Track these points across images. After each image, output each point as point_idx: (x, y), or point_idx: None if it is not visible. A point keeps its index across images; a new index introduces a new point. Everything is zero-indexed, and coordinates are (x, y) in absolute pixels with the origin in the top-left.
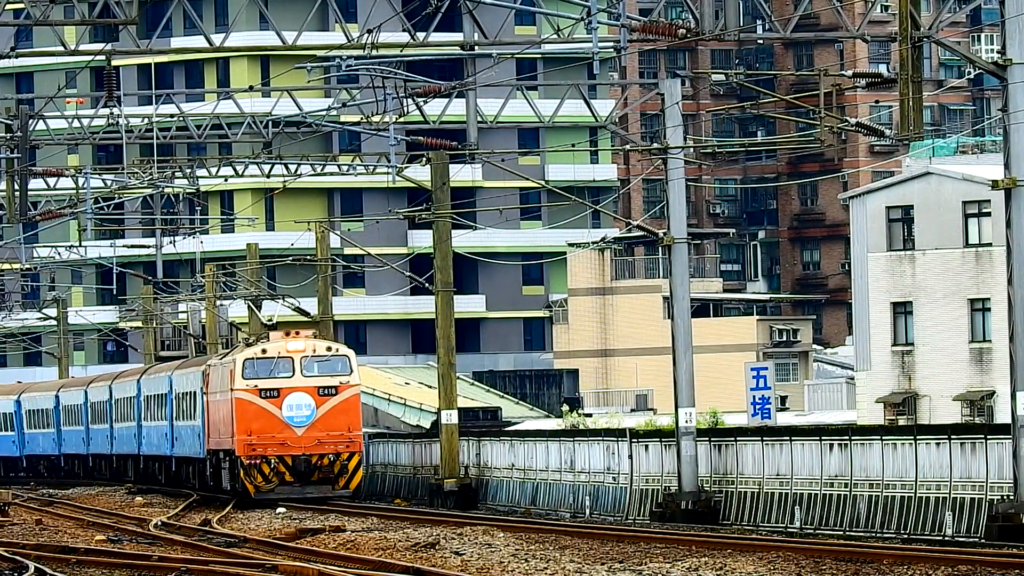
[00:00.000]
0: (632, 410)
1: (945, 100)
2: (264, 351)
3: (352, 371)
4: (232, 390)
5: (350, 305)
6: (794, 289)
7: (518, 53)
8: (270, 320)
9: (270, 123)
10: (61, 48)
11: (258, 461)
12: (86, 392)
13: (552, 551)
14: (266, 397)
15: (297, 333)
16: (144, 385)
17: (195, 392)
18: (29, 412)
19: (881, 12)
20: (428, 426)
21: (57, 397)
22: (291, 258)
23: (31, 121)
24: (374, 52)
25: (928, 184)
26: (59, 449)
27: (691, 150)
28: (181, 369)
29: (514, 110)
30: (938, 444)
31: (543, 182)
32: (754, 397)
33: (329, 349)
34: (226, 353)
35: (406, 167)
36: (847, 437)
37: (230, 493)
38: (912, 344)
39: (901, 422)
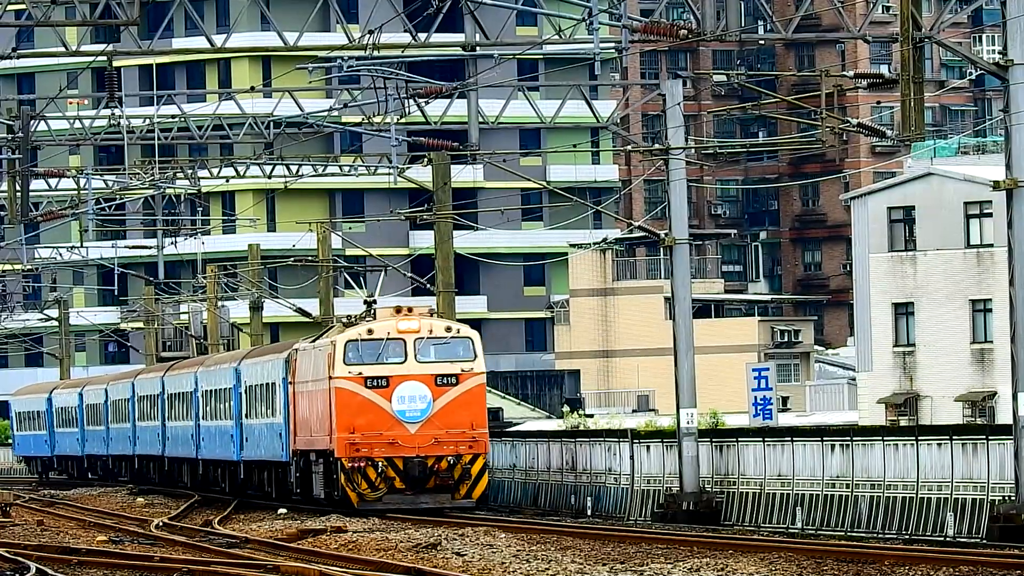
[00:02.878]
0: (633, 411)
1: (946, 101)
2: (371, 331)
3: (476, 356)
4: (330, 378)
5: (351, 306)
6: (795, 290)
7: (519, 54)
8: (371, 297)
9: (271, 124)
10: (62, 49)
11: (363, 464)
12: (133, 385)
13: (553, 552)
14: (373, 387)
15: (410, 310)
16: (203, 378)
17: (273, 384)
18: (89, 407)
19: (882, 13)
20: None
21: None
22: (292, 259)
23: (32, 122)
24: (375, 53)
25: (930, 185)
26: (107, 449)
27: (692, 151)
28: (254, 358)
29: (515, 111)
30: (939, 445)
31: (544, 183)
32: (755, 398)
33: (449, 330)
34: (318, 335)
35: (407, 168)
36: (848, 438)
37: (325, 502)
38: (913, 345)
39: (902, 423)
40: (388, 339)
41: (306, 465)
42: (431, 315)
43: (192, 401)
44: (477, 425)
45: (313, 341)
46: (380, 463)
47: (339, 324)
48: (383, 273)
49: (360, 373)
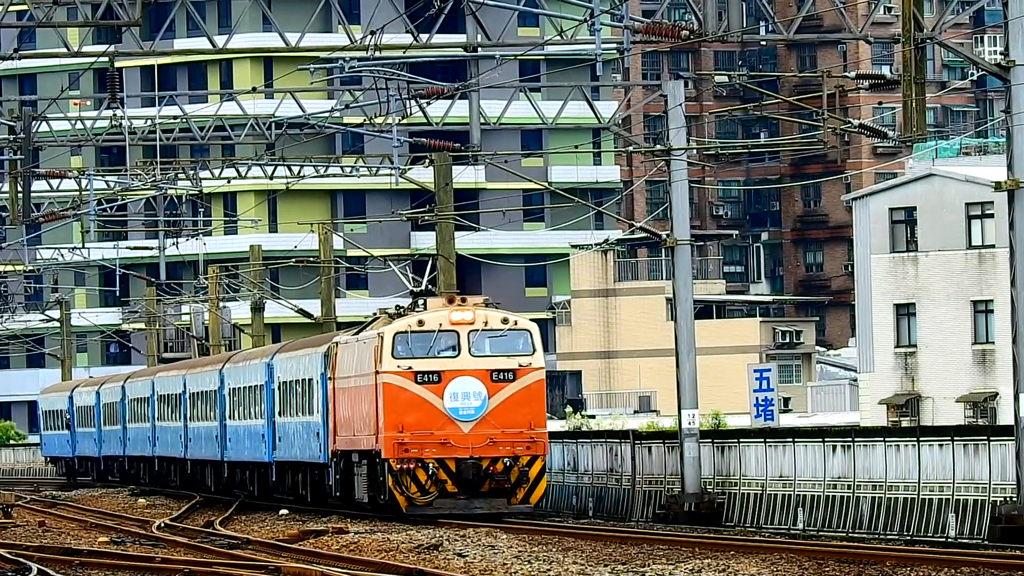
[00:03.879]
0: (635, 412)
1: (948, 102)
2: (421, 323)
3: (535, 350)
4: (377, 373)
5: (353, 307)
6: (797, 291)
7: (521, 55)
8: (418, 284)
9: (273, 125)
10: (64, 50)
11: (412, 466)
12: (152, 384)
13: (555, 553)
14: (423, 382)
15: (464, 300)
16: (230, 375)
17: (310, 380)
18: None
19: (884, 14)
20: None
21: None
22: (294, 260)
23: (34, 123)
24: (377, 54)
25: (931, 186)
26: (124, 450)
27: (694, 152)
28: (288, 352)
29: (517, 112)
30: (941, 446)
31: (546, 184)
32: (757, 399)
33: (505, 321)
34: (362, 327)
35: (409, 169)
36: (850, 439)
37: (368, 507)
38: (915, 346)
39: (904, 424)
40: (440, 331)
41: (347, 467)
42: (486, 305)
43: (217, 400)
44: (536, 424)
45: (356, 333)
46: (431, 465)
47: (384, 315)
48: (431, 263)
49: (410, 368)
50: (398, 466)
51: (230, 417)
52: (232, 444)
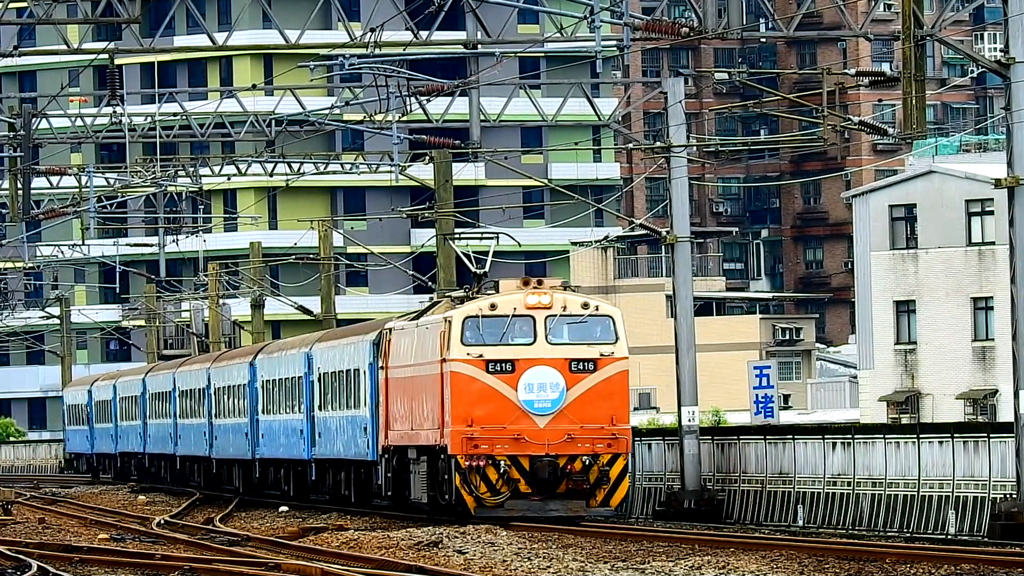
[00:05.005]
0: (635, 408)
1: (948, 99)
2: (494, 307)
3: (618, 338)
4: (443, 361)
5: (353, 304)
6: (797, 288)
7: (521, 52)
8: (480, 266)
9: (273, 122)
10: (64, 47)
11: (482, 463)
12: (173, 378)
13: (555, 550)
14: (495, 372)
15: (539, 283)
16: (262, 367)
17: (356, 370)
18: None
19: (884, 11)
20: None
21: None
22: (294, 257)
23: (34, 120)
24: (377, 51)
25: (931, 183)
26: (144, 447)
27: (694, 149)
28: (329, 341)
29: (517, 109)
30: (941, 443)
31: (546, 181)
32: (757, 396)
33: (586, 306)
34: (418, 313)
35: (409, 166)
36: (850, 436)
37: (427, 508)
38: (915, 343)
39: (904, 421)
40: (514, 316)
41: (401, 464)
42: (564, 288)
43: (248, 394)
44: (618, 420)
45: (415, 318)
46: (502, 462)
47: (447, 300)
48: (494, 241)
49: (481, 355)
50: (466, 463)
51: (263, 412)
52: (265, 441)
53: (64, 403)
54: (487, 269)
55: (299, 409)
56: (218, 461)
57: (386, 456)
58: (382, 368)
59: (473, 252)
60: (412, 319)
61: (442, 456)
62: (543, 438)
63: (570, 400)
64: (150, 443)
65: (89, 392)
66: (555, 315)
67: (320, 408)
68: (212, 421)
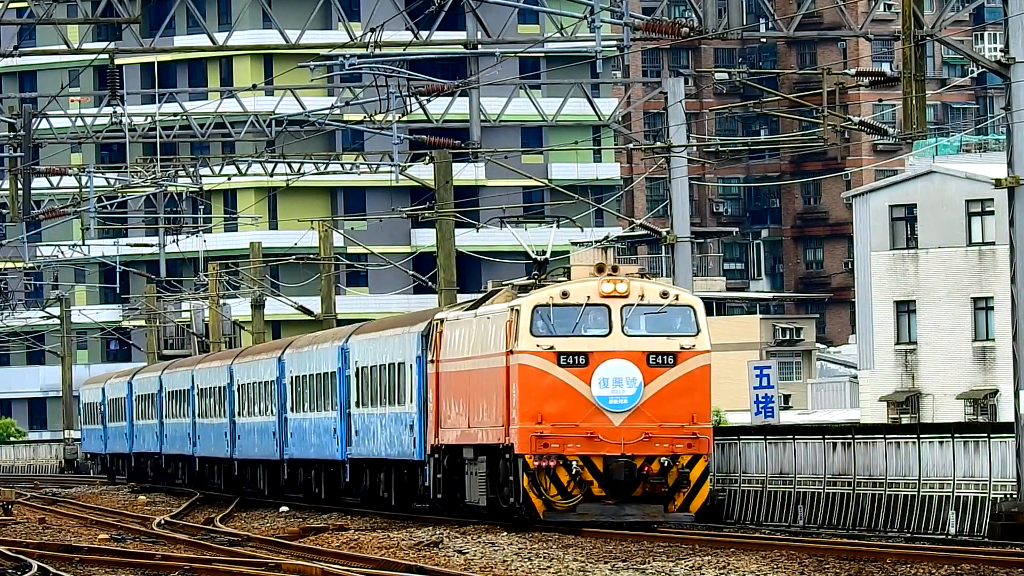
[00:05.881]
0: None
1: (948, 99)
2: (565, 294)
3: (699, 330)
4: (510, 353)
5: (353, 304)
6: (797, 288)
7: (521, 52)
8: (541, 252)
9: (273, 122)
10: (64, 47)
11: (552, 463)
12: (192, 375)
13: (555, 550)
14: (567, 365)
15: (615, 269)
16: (291, 363)
17: (401, 364)
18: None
19: (884, 11)
20: None
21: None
22: (294, 257)
23: (34, 120)
24: (377, 51)
25: (931, 183)
26: (161, 447)
27: (694, 149)
28: (368, 333)
29: (517, 109)
30: (941, 443)
31: (546, 181)
32: (757, 396)
33: (665, 295)
34: (477, 301)
35: (409, 166)
36: (850, 436)
37: (484, 511)
38: (915, 343)
39: (904, 421)
40: (588, 305)
41: (453, 464)
42: (641, 276)
43: (275, 391)
44: (699, 418)
45: (474, 307)
46: (574, 463)
47: (508, 288)
48: (555, 225)
49: (552, 347)
50: (535, 463)
51: (291, 410)
52: (294, 440)
53: (80, 401)
54: (548, 256)
55: (333, 406)
56: (240, 462)
57: (435, 456)
58: (432, 361)
59: (532, 246)
60: (468, 309)
61: (506, 456)
62: (618, 437)
63: (648, 396)
64: (167, 443)
65: (103, 390)
66: (632, 304)
67: (358, 405)
68: (235, 420)
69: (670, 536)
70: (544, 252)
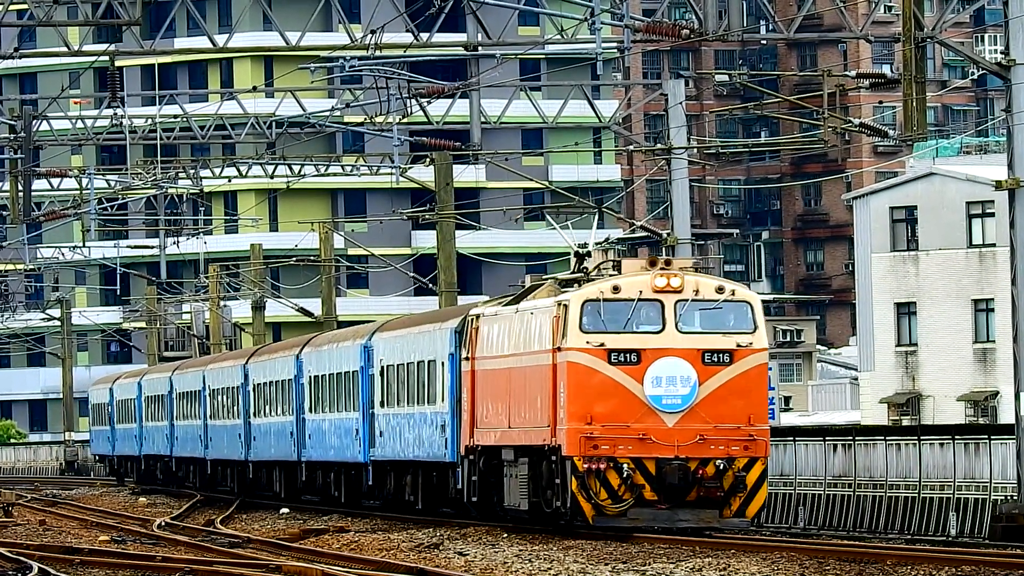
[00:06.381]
0: None
1: (949, 101)
2: (616, 289)
3: (756, 327)
4: (558, 350)
5: (354, 306)
6: (798, 290)
7: (521, 54)
8: (583, 246)
9: (274, 124)
10: (65, 49)
11: (603, 466)
12: (203, 376)
13: (556, 551)
14: (618, 363)
15: (668, 263)
16: (309, 362)
17: (432, 361)
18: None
19: (884, 13)
20: None
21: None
22: (295, 259)
23: (35, 122)
24: (377, 53)
25: (932, 185)
26: (171, 450)
27: (695, 151)
28: (394, 331)
29: (517, 111)
30: (942, 445)
31: (547, 183)
32: None
33: (721, 290)
34: (518, 296)
35: (410, 168)
36: (851, 437)
37: (526, 516)
38: (916, 345)
39: (905, 422)
40: (640, 300)
41: (490, 467)
42: (695, 270)
43: (292, 391)
44: (756, 419)
45: (511, 303)
46: (625, 465)
47: (551, 282)
48: (596, 215)
49: (602, 344)
50: (585, 466)
51: (310, 411)
52: (313, 442)
53: (89, 402)
54: (590, 248)
55: (355, 407)
56: (255, 464)
57: (471, 457)
58: (467, 359)
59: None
60: (506, 304)
61: (553, 458)
62: (672, 439)
63: (703, 396)
64: (178, 445)
65: (111, 390)
66: (686, 299)
67: (382, 405)
68: (250, 421)
69: (670, 538)
70: (585, 245)
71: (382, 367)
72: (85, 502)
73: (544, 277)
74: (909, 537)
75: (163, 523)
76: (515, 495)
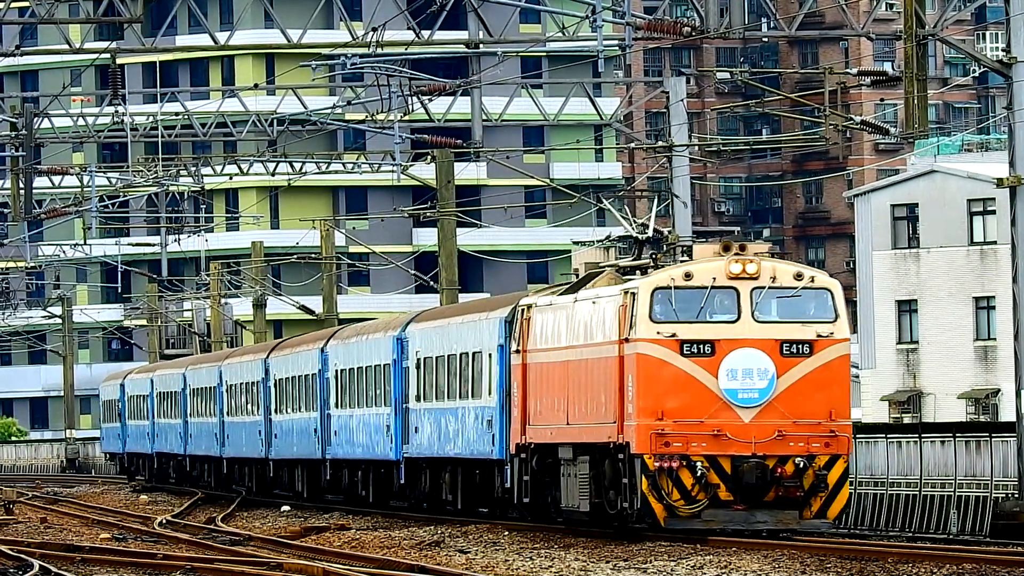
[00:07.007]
0: None
1: (950, 98)
2: (688, 275)
3: (837, 316)
4: (625, 341)
5: (355, 303)
6: None
7: (523, 51)
8: (642, 230)
9: (275, 121)
10: (66, 46)
11: (675, 464)
12: (220, 371)
13: (557, 549)
14: (691, 355)
15: (743, 248)
16: (335, 355)
17: (476, 353)
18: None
19: (886, 10)
20: None
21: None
22: (296, 256)
23: (36, 119)
24: (379, 50)
25: (933, 182)
26: (185, 448)
27: (696, 148)
28: (430, 321)
29: (519, 108)
30: (943, 442)
31: (548, 180)
32: None
33: (799, 277)
34: (574, 285)
35: (411, 165)
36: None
37: (585, 518)
38: (917, 342)
39: (906, 420)
40: (714, 287)
41: (544, 465)
42: (771, 255)
43: (317, 386)
44: (838, 414)
45: (567, 292)
46: (699, 464)
47: (610, 271)
48: (654, 202)
49: (674, 335)
50: (656, 464)
51: (336, 406)
52: (339, 439)
53: (100, 398)
54: (651, 234)
55: (385, 401)
56: (277, 463)
57: (522, 455)
58: (517, 352)
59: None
60: (561, 293)
61: (619, 456)
62: (749, 435)
63: (781, 390)
64: (192, 443)
65: (122, 386)
66: (763, 287)
67: (419, 399)
68: (271, 418)
69: (672, 535)
70: (646, 227)
71: (418, 359)
72: (86, 500)
73: (602, 264)
74: (910, 535)
75: (164, 521)
76: (573, 496)
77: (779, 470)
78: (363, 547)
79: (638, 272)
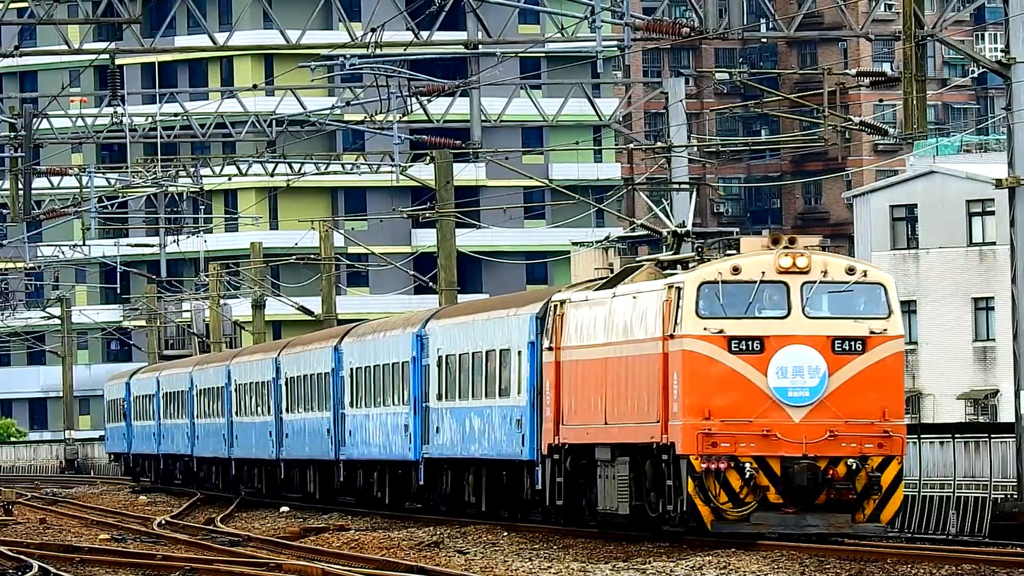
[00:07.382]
0: None
1: (949, 99)
2: (736, 269)
3: (891, 312)
4: (670, 338)
5: (354, 304)
6: None
7: (522, 52)
8: (681, 224)
9: (274, 122)
10: (65, 47)
11: (723, 465)
12: (228, 371)
13: (556, 550)
14: (739, 351)
15: (792, 241)
16: (350, 353)
17: (505, 351)
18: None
19: (885, 11)
20: None
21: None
22: (295, 257)
23: (35, 120)
24: (378, 51)
25: (932, 183)
26: (192, 449)
27: (695, 149)
28: (452, 318)
29: (518, 109)
30: (942, 443)
31: (547, 181)
32: None
33: (851, 271)
34: (610, 280)
35: (410, 166)
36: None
37: (623, 521)
38: (916, 343)
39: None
40: (763, 282)
41: (578, 467)
42: (823, 249)
43: (332, 384)
44: (891, 414)
45: (604, 287)
46: (747, 465)
47: (650, 265)
48: (693, 193)
49: (721, 331)
50: (703, 465)
51: (351, 405)
52: (353, 439)
53: (104, 398)
54: (689, 227)
55: (404, 400)
56: (288, 463)
57: (555, 456)
58: (550, 349)
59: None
60: (598, 289)
61: (663, 457)
62: (799, 435)
63: (833, 388)
64: (199, 444)
65: (127, 386)
66: (814, 281)
67: (440, 398)
68: (281, 418)
69: (671, 536)
70: (684, 224)
71: (440, 356)
72: (85, 500)
73: (639, 259)
74: (909, 536)
75: (163, 521)
76: (611, 498)
77: (831, 472)
78: (362, 548)
79: (679, 267)
